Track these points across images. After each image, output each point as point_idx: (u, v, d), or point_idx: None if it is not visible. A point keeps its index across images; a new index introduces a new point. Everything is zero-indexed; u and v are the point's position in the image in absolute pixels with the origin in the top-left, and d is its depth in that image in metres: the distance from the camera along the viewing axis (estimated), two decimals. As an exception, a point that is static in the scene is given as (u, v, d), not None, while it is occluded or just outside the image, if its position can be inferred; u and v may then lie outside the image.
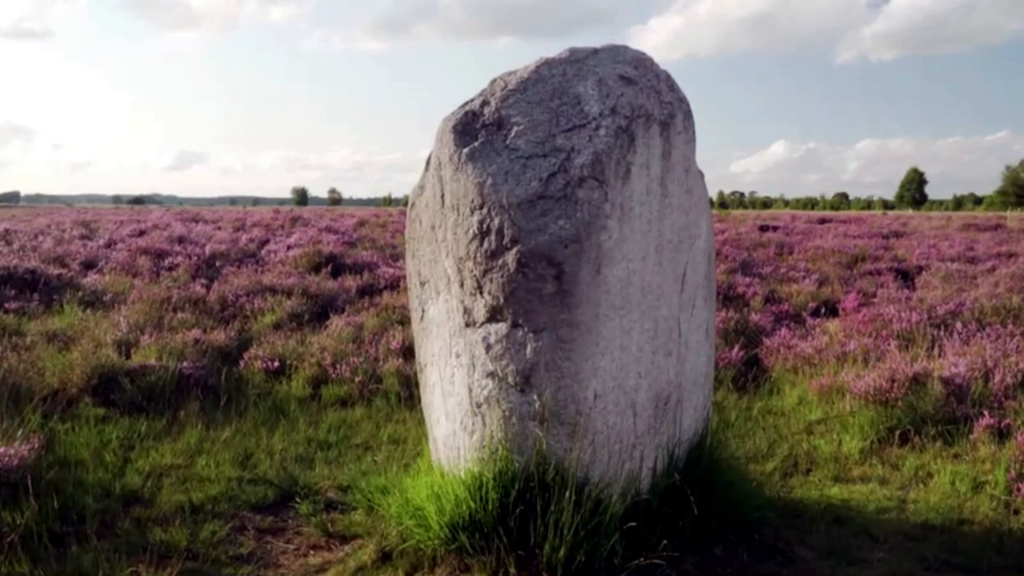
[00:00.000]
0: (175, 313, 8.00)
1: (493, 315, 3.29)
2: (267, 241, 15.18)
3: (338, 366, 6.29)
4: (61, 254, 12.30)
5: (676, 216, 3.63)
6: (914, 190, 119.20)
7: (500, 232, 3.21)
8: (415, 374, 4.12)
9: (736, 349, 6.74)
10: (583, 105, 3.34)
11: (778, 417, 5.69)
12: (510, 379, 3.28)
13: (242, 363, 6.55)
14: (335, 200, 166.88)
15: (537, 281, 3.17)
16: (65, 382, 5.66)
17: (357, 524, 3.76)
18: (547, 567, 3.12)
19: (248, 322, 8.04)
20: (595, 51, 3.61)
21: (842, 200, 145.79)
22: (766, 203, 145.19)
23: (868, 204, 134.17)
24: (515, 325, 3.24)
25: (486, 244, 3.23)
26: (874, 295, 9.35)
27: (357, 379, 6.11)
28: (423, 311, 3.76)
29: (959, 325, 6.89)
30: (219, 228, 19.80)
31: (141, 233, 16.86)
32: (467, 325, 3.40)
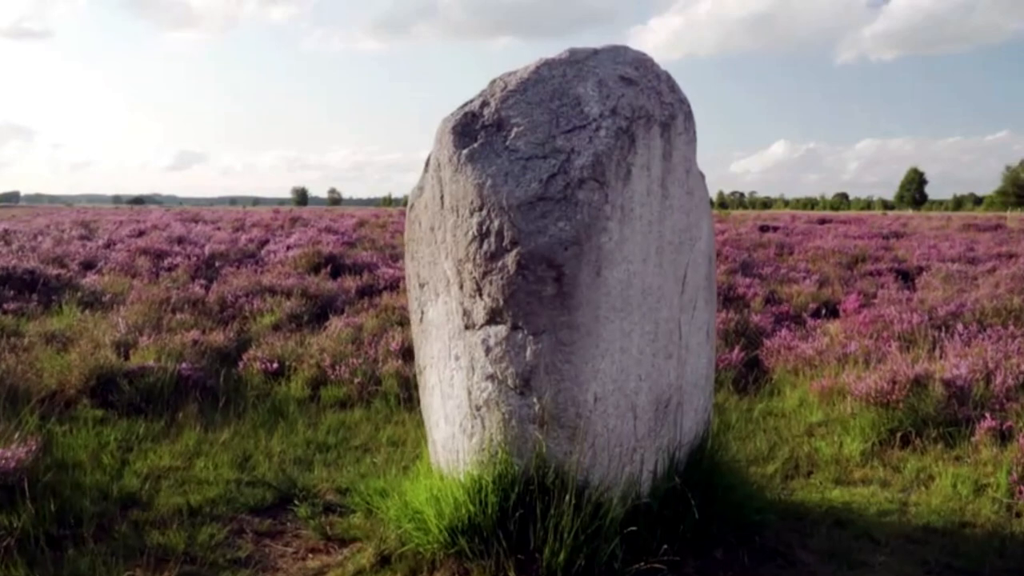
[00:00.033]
0: (174, 314, 7.98)
1: (493, 317, 3.27)
2: (267, 241, 15.16)
3: (337, 367, 6.27)
4: (60, 254, 12.28)
5: (677, 217, 3.61)
6: (914, 190, 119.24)
7: (500, 234, 3.19)
8: (414, 376, 4.10)
9: (736, 350, 6.72)
10: (583, 106, 3.32)
11: (779, 419, 5.67)
12: (510, 382, 3.26)
13: (241, 364, 6.53)
14: (335, 200, 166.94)
15: (537, 283, 3.15)
16: (63, 383, 5.65)
17: (356, 527, 3.74)
18: (547, 571, 3.10)
19: (247, 323, 8.02)
20: (595, 52, 3.59)
21: (842, 200, 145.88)
22: (766, 203, 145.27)
23: (868, 204, 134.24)
24: (515, 327, 3.23)
25: (486, 246, 3.22)
26: (875, 296, 9.34)
27: (356, 380, 6.09)
28: (422, 313, 3.74)
29: (960, 326, 6.87)
30: (218, 228, 19.79)
31: (140, 233, 16.85)
32: (466, 327, 3.38)
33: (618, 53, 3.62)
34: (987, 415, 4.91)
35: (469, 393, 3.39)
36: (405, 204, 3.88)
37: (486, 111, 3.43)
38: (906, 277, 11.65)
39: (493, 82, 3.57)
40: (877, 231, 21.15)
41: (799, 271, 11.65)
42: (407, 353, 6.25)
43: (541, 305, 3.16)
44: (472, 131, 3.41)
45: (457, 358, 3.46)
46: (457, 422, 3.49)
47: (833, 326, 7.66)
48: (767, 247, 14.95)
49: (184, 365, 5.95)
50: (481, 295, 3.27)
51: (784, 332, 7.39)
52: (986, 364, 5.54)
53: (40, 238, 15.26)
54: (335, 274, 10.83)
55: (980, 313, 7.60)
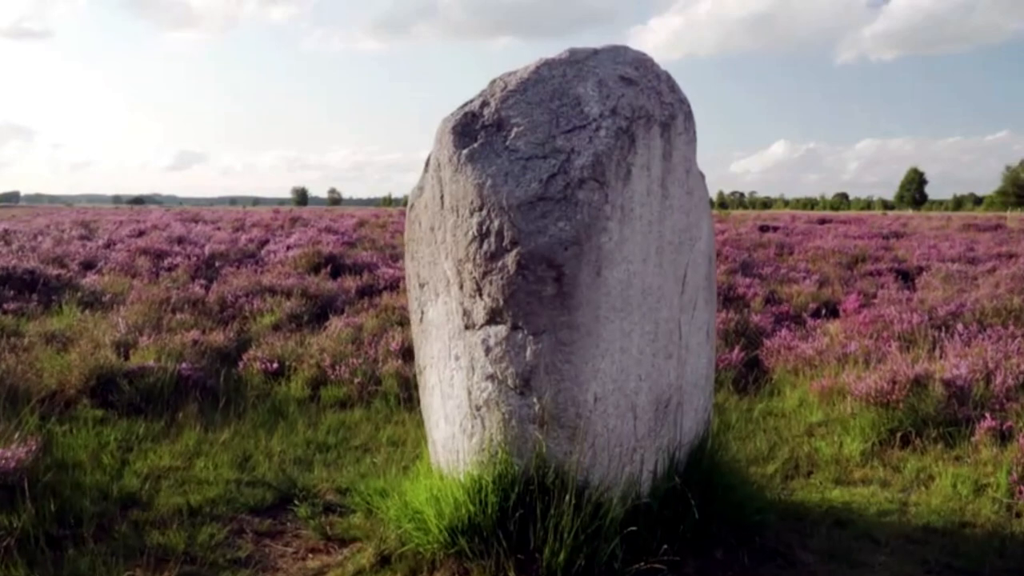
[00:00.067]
0: (174, 314, 7.98)
1: (493, 317, 3.27)
2: (267, 241, 15.16)
3: (337, 367, 6.27)
4: (60, 254, 12.27)
5: (677, 217, 3.61)
6: (914, 190, 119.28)
7: (500, 234, 3.19)
8: (414, 376, 4.10)
9: (736, 350, 6.72)
10: (583, 106, 3.32)
11: (779, 419, 5.67)
12: (510, 382, 3.26)
13: (241, 364, 6.53)
14: (335, 200, 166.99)
15: (537, 283, 3.15)
16: (63, 383, 5.65)
17: (356, 527, 3.74)
18: (547, 571, 3.10)
19: (247, 323, 8.02)
20: (595, 52, 3.59)
21: (842, 200, 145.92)
22: (766, 203, 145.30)
23: (868, 204, 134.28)
24: (515, 327, 3.23)
25: (486, 246, 3.21)
26: (875, 296, 9.34)
27: (356, 380, 6.09)
28: (422, 313, 3.74)
29: (960, 326, 6.87)
30: (218, 228, 19.79)
31: (140, 233, 16.85)
32: (466, 327, 3.38)
33: (618, 53, 3.62)
34: (987, 415, 4.91)
35: (469, 393, 3.39)
36: (405, 204, 3.88)
37: (486, 111, 3.43)
38: (906, 277, 11.65)
39: (493, 82, 3.57)
40: (877, 231, 21.15)
41: (799, 271, 11.65)
42: (407, 353, 6.25)
43: (541, 305, 3.16)
44: (472, 131, 3.41)
45: (457, 358, 3.46)
46: (457, 422, 3.49)
47: (833, 326, 7.66)
48: (767, 247, 14.96)
49: (184, 365, 5.95)
50: (481, 295, 3.27)
51: (784, 332, 7.39)
52: (986, 364, 5.54)
53: (40, 238, 15.26)
54: (335, 274, 10.83)
55: (980, 313, 7.60)
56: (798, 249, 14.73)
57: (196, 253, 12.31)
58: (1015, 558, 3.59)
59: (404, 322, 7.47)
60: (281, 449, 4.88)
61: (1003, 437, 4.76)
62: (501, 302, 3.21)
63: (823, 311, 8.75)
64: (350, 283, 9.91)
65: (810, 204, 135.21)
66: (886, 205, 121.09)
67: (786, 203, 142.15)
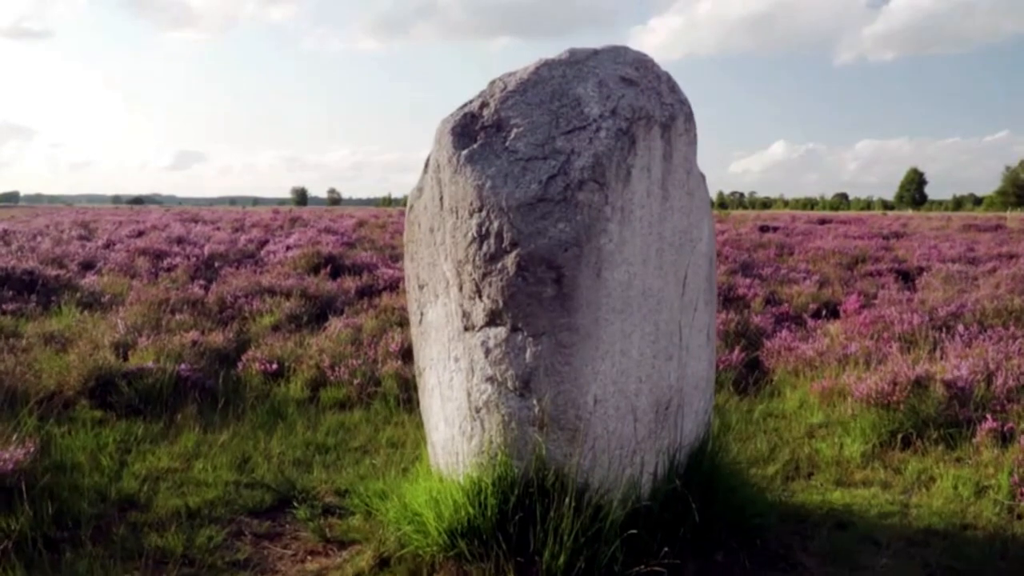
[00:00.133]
0: (173, 315, 7.96)
1: (492, 319, 3.26)
2: (266, 242, 15.15)
3: (337, 368, 6.26)
4: (59, 255, 12.26)
5: (677, 219, 3.60)
6: (914, 190, 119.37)
7: (499, 235, 3.17)
8: (414, 377, 4.09)
9: (737, 351, 6.71)
10: (583, 107, 3.31)
11: (779, 420, 5.66)
12: (509, 384, 3.24)
13: (240, 365, 6.51)
14: (334, 200, 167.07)
15: (537, 285, 3.13)
16: (62, 384, 5.63)
17: (355, 529, 3.73)
18: (546, 574, 3.08)
19: (246, 324, 8.01)
20: (595, 52, 3.58)
21: (842, 200, 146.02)
22: (766, 203, 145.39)
23: (868, 204, 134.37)
24: (514, 329, 3.21)
25: (485, 247, 3.20)
26: (875, 296, 9.33)
27: (356, 381, 6.07)
28: (421, 314, 3.73)
29: (961, 327, 6.86)
30: (218, 228, 19.78)
31: (140, 234, 16.85)
32: (466, 329, 3.36)
33: (618, 53, 3.60)
34: (988, 416, 4.89)
35: (469, 395, 3.38)
36: (405, 204, 3.86)
37: (485, 112, 3.42)
38: (906, 278, 11.64)
39: (492, 83, 3.55)
40: (877, 231, 21.15)
41: (799, 271, 11.64)
42: (407, 354, 6.24)
43: (541, 307, 3.15)
44: (471, 132, 3.39)
45: (457, 360, 3.45)
46: (456, 424, 3.48)
47: (833, 327, 7.64)
48: (767, 247, 14.94)
49: (183, 366, 5.93)
50: (481, 297, 3.26)
51: (784, 333, 7.38)
52: (987, 365, 5.53)
53: (39, 238, 15.25)
54: (334, 275, 10.82)
55: (981, 314, 7.58)
56: (798, 249, 14.72)
57: (195, 253, 12.30)
58: (1017, 560, 3.58)
59: (404, 323, 7.46)
60: (280, 450, 4.87)
61: (1004, 438, 4.75)
62: (501, 304, 3.20)
63: (823, 312, 8.74)
64: (349, 284, 9.89)
65: (810, 204, 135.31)
66: (886, 205, 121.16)
67: (786, 203, 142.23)
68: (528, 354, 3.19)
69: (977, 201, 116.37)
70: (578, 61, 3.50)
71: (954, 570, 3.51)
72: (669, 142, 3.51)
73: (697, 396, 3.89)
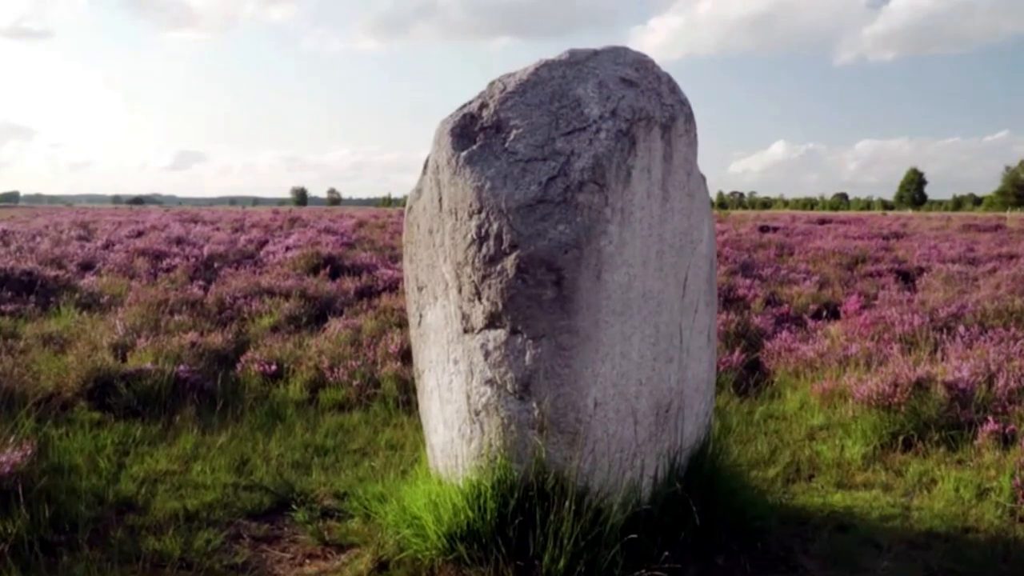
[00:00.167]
0: (172, 316, 7.94)
1: (492, 321, 3.24)
2: (266, 242, 15.14)
3: (336, 370, 6.24)
4: (58, 255, 12.24)
5: (677, 220, 3.58)
6: (913, 190, 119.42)
7: (499, 237, 3.15)
8: (413, 378, 4.07)
9: (737, 352, 6.69)
10: (583, 108, 3.29)
11: (780, 422, 5.64)
12: (509, 386, 3.23)
13: (239, 366, 6.49)
14: (334, 200, 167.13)
15: (536, 287, 3.12)
16: (60, 386, 5.61)
17: (354, 532, 3.71)
18: (546, 578, 3.07)
19: (245, 324, 7.99)
20: (595, 53, 3.56)
21: (841, 200, 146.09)
22: (766, 203, 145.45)
23: (868, 204, 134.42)
24: (514, 332, 3.19)
25: (484, 249, 3.18)
26: (875, 297, 9.31)
27: (355, 383, 6.05)
28: (421, 316, 3.71)
29: (961, 328, 6.84)
30: (217, 229, 19.76)
31: (139, 234, 16.83)
32: (465, 331, 3.35)
33: (618, 54, 3.59)
34: (989, 418, 4.88)
35: (468, 397, 3.36)
36: (404, 205, 3.84)
37: (485, 113, 3.40)
38: (906, 278, 11.62)
39: (492, 83, 3.54)
40: (877, 232, 21.14)
41: (799, 272, 11.62)
42: (406, 355, 6.22)
43: (540, 309, 3.13)
44: (471, 133, 3.37)
45: (456, 362, 3.43)
46: (456, 427, 3.46)
47: (834, 328, 7.62)
48: (767, 248, 14.93)
49: (182, 367, 5.91)
50: (480, 299, 3.24)
51: (785, 334, 7.36)
52: (988, 366, 5.51)
53: (38, 239, 15.23)
54: (334, 275, 10.80)
55: (981, 315, 7.57)
56: (798, 250, 14.70)
57: (195, 254, 12.28)
58: (1019, 563, 3.56)
59: (403, 324, 7.43)
60: (279, 453, 4.85)
61: (1006, 440, 4.73)
62: (500, 306, 3.18)
63: (824, 312, 8.71)
64: (349, 284, 9.87)
65: (810, 204, 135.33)
66: (886, 205, 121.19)
67: (786, 203, 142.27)
68: (528, 356, 3.17)
69: (977, 201, 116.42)
70: (578, 62, 3.48)
71: (956, 573, 3.49)
72: (669, 143, 3.49)
73: (698, 398, 3.87)
